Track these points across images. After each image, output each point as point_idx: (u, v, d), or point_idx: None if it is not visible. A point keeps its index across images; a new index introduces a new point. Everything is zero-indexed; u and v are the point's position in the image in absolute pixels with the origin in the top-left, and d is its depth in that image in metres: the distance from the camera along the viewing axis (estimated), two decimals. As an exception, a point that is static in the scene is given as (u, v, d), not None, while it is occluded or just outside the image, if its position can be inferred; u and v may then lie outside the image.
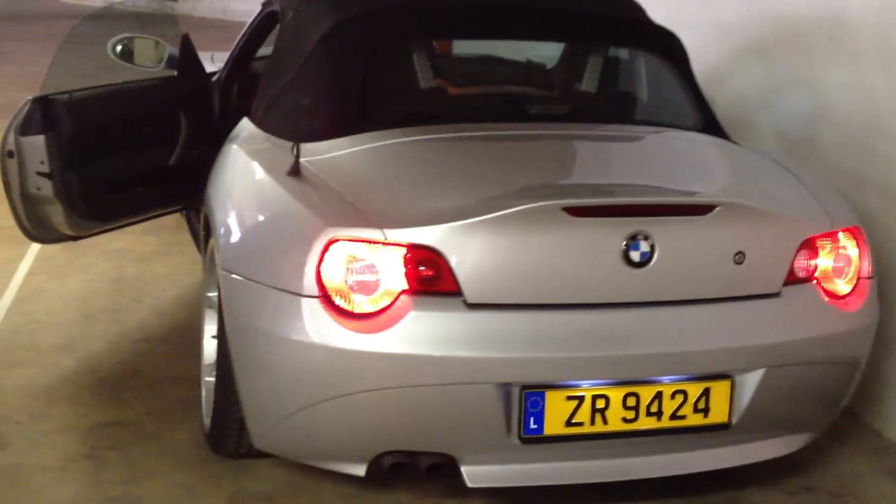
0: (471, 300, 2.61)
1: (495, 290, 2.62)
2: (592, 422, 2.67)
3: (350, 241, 2.62)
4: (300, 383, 2.69)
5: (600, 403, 2.67)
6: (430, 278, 2.61)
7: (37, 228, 3.58)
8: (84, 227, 3.67)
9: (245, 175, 3.19)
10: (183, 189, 3.98)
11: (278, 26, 3.71)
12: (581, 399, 2.66)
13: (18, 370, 3.69)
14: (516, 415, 2.64)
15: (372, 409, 2.64)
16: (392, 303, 2.61)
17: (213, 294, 3.40)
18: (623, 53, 3.80)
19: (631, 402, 2.68)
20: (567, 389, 2.65)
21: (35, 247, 4.79)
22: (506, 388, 2.62)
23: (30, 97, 3.35)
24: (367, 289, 2.62)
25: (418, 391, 2.61)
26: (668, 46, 3.67)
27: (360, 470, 2.76)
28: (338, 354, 2.60)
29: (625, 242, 2.63)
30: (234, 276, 2.86)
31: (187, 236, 4.92)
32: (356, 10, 3.33)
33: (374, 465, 2.74)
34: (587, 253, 2.65)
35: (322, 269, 2.62)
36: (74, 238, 3.75)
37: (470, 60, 3.91)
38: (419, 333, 2.59)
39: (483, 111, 3.41)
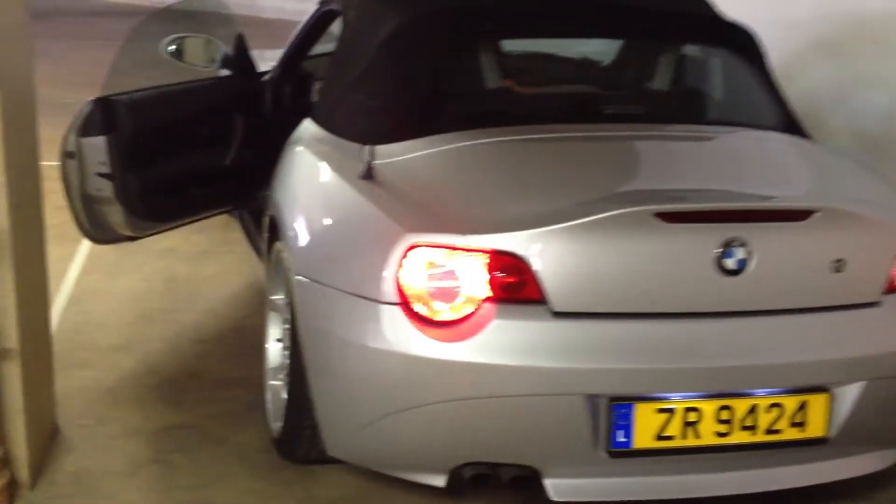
0: (557, 308, 2.52)
1: (582, 299, 2.54)
2: (684, 435, 2.58)
3: (430, 246, 2.54)
4: (379, 392, 2.61)
5: (692, 417, 2.57)
6: (514, 286, 2.53)
7: (95, 229, 3.52)
8: (142, 227, 3.61)
9: (315, 178, 3.12)
10: (237, 189, 3.93)
11: (340, 25, 3.62)
12: (672, 412, 2.57)
13: (80, 371, 3.64)
14: (604, 427, 2.56)
15: (454, 419, 2.56)
16: (475, 311, 2.53)
17: (277, 297, 3.33)
18: (695, 51, 3.69)
19: (724, 415, 2.58)
20: (657, 402, 2.56)
21: (85, 245, 4.74)
22: (593, 399, 2.54)
23: (90, 98, 3.29)
24: (448, 296, 2.54)
25: (502, 402, 2.53)
26: (743, 43, 3.56)
27: (439, 480, 2.69)
28: (419, 363, 2.52)
29: (718, 249, 2.53)
30: (308, 280, 2.79)
31: (234, 235, 4.87)
32: (424, 8, 3.24)
33: (455, 475, 2.66)
34: (679, 260, 2.56)
35: (401, 275, 2.54)
36: (132, 238, 3.69)
37: (531, 58, 3.80)
38: (503, 342, 2.51)
39: (555, 111, 3.32)
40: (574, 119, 3.22)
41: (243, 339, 4.07)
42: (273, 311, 3.41)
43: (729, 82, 3.61)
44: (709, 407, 2.58)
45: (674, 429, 2.57)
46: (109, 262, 4.78)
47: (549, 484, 2.64)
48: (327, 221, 2.92)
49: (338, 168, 3.00)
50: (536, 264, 2.50)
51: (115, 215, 3.46)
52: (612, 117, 3.29)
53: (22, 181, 2.74)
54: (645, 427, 2.57)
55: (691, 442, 2.58)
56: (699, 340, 2.58)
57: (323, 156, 3.16)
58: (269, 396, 3.33)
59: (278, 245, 3.18)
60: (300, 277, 2.82)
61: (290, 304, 2.94)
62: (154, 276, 4.72)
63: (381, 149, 2.93)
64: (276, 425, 3.15)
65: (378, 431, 2.65)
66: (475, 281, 2.53)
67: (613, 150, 3.10)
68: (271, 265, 3.34)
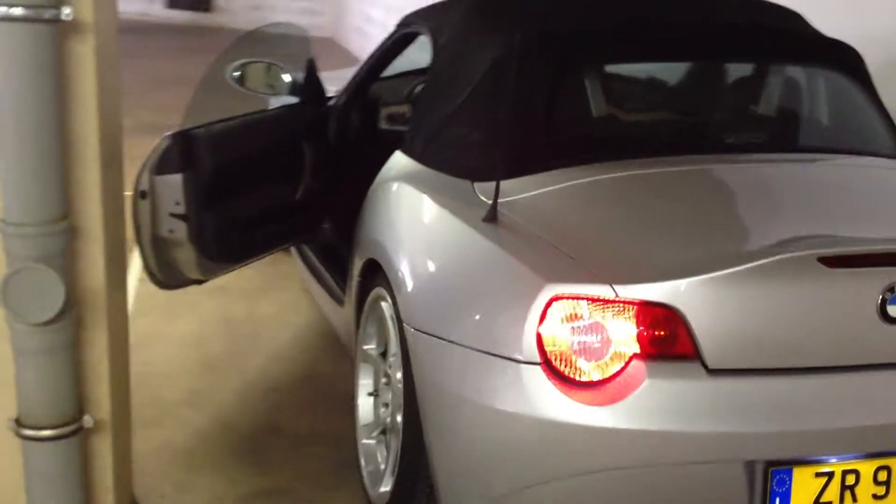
0: (711, 365, 2.29)
1: (739, 353, 2.30)
2: (841, 500, 2.35)
3: (573, 298, 2.30)
4: (518, 461, 2.37)
5: (850, 480, 2.34)
6: (666, 340, 2.29)
7: (163, 273, 3.28)
8: (212, 269, 3.37)
9: (427, 220, 2.85)
10: (304, 223, 3.70)
11: (429, 50, 3.38)
12: (830, 476, 2.34)
13: (151, 431, 3.39)
14: (759, 495, 2.32)
15: (600, 490, 2.32)
16: (622, 369, 2.29)
17: (370, 347, 3.10)
18: (800, 72, 3.45)
19: (882, 476, 2.36)
20: (815, 465, 2.33)
21: (132, 283, 4.49)
22: (751, 465, 2.30)
23: (167, 133, 3.05)
24: (594, 353, 2.30)
25: (653, 471, 2.28)
26: (850, 62, 3.33)
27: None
28: (565, 429, 2.28)
29: (882, 295, 2.30)
30: (426, 334, 2.55)
31: (285, 269, 4.62)
32: (531, 31, 2.98)
33: None
34: (841, 308, 2.33)
35: (542, 331, 2.30)
36: (200, 282, 3.45)
37: (630, 82, 3.57)
38: (657, 405, 2.27)
39: (671, 141, 3.08)
40: (693, 150, 2.98)
41: (316, 387, 3.84)
42: (364, 363, 3.16)
43: (838, 105, 3.38)
44: (867, 468, 2.35)
45: (831, 494, 2.35)
46: (161, 301, 4.51)
47: None
48: (448, 269, 2.64)
49: (453, 209, 2.74)
50: (690, 316, 2.27)
51: (186, 258, 3.22)
52: (731, 147, 3.05)
53: (113, 230, 2.49)
54: (802, 493, 2.34)
55: None
56: (861, 396, 2.35)
57: (432, 195, 2.89)
58: (363, 458, 3.09)
59: (378, 291, 2.94)
60: (415, 330, 2.58)
61: (398, 357, 2.71)
62: (210, 318, 4.48)
63: (490, 186, 2.70)
64: (378, 491, 2.90)
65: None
66: (623, 336, 2.29)
67: (747, 184, 2.86)
68: (365, 312, 3.09)
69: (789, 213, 2.71)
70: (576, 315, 2.30)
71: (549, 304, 2.30)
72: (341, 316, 3.62)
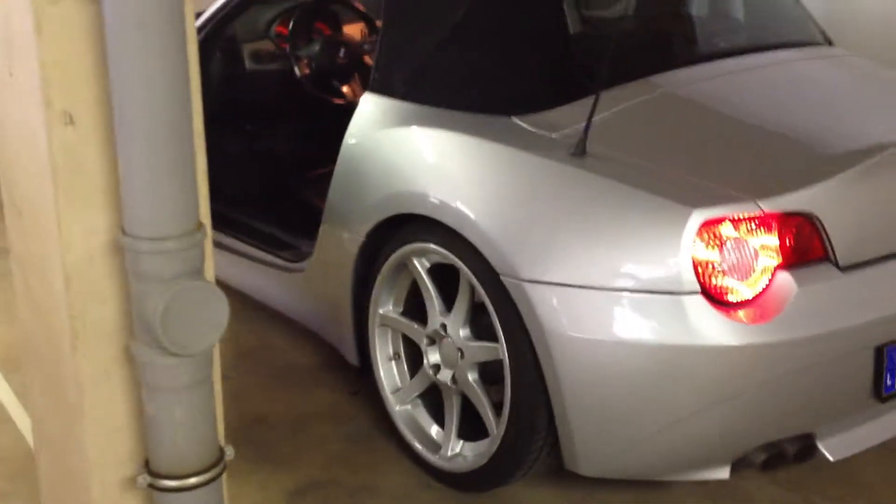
0: (843, 263, 2.37)
1: (865, 246, 2.41)
2: None
3: (721, 220, 2.27)
4: (676, 393, 2.33)
5: None
6: (804, 247, 2.34)
7: None
8: None
9: (485, 162, 2.63)
10: None
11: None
12: None
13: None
14: (877, 373, 2.46)
15: (749, 405, 2.35)
16: (769, 283, 2.31)
17: (389, 309, 2.88)
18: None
19: None
20: None
21: None
22: (877, 349, 2.43)
23: None
24: (745, 272, 2.31)
25: (797, 374, 2.35)
26: None
27: (723, 473, 2.47)
28: (730, 353, 2.28)
29: None
30: (545, 284, 2.39)
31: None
32: None
33: (742, 462, 2.45)
34: None
35: (696, 258, 2.26)
36: None
37: None
38: (806, 311, 2.33)
39: (686, 52, 3.07)
40: (705, 57, 3.00)
41: (273, 365, 3.51)
42: (382, 326, 2.94)
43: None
44: None
45: None
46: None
47: (824, 446, 2.51)
48: (550, 213, 2.45)
49: (521, 147, 2.57)
50: (824, 219, 2.33)
51: None
52: (731, 51, 3.09)
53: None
54: None
55: None
56: None
57: (478, 135, 2.64)
58: (403, 426, 2.89)
59: (410, 248, 2.72)
60: (525, 281, 2.41)
61: (464, 313, 2.59)
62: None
63: (539, 118, 2.58)
64: (447, 454, 2.74)
65: (667, 437, 2.37)
66: (768, 249, 2.30)
67: (783, 85, 2.92)
68: (383, 274, 2.85)
69: (837, 108, 2.82)
70: (724, 236, 2.28)
71: (700, 231, 2.26)
72: (295, 283, 3.31)
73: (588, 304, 2.34)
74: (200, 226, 1.86)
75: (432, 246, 2.65)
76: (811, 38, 3.30)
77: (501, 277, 2.45)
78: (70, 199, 1.83)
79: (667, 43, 3.14)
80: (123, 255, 1.84)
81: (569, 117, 2.61)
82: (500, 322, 2.49)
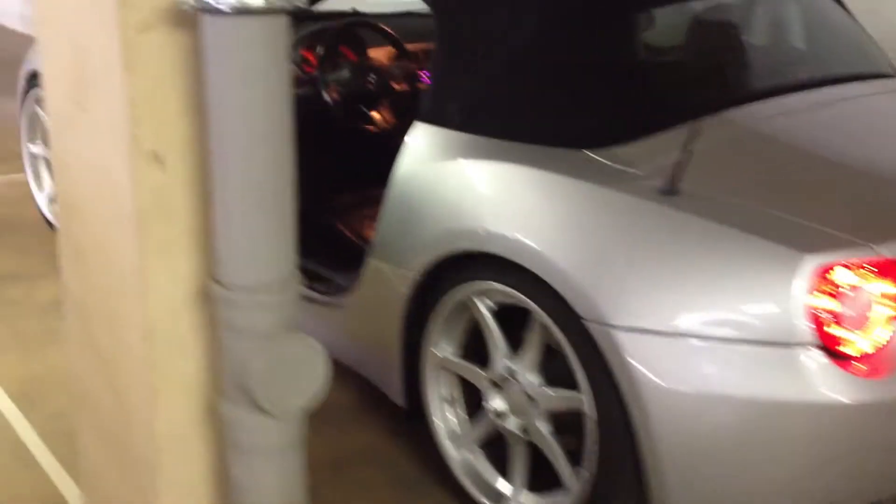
0: None
1: None
2: None
3: (835, 266, 2.14)
4: (789, 452, 2.19)
5: None
6: None
7: None
8: None
9: (565, 199, 2.46)
10: None
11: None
12: None
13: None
14: None
15: (858, 465, 2.23)
16: (893, 334, 2.19)
17: (445, 351, 2.74)
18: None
19: None
20: None
21: None
22: None
23: None
24: (860, 322, 2.17)
25: None
26: None
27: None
28: (844, 411, 2.13)
29: None
30: (638, 332, 2.25)
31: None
32: None
33: None
34: None
35: (810, 307, 2.13)
36: None
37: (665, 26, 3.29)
38: None
39: (760, 84, 2.95)
40: (779, 90, 2.87)
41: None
42: (437, 369, 2.79)
43: (831, 28, 3.39)
44: None
45: None
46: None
47: None
48: (642, 255, 2.28)
49: (603, 183, 2.43)
50: None
51: None
52: (801, 84, 2.97)
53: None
54: None
55: None
56: None
57: (554, 170, 2.49)
58: (462, 476, 2.74)
59: (473, 287, 2.57)
60: (616, 328, 2.26)
61: (532, 358, 2.45)
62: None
63: (615, 152, 2.46)
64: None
65: (769, 498, 2.24)
66: (886, 298, 2.18)
67: (858, 118, 2.81)
68: (440, 314, 2.70)
69: None
70: (839, 284, 2.14)
71: (814, 277, 2.13)
72: (333, 318, 3.15)
73: (688, 355, 2.19)
74: (295, 273, 1.71)
75: (500, 286, 2.50)
76: (881, 69, 3.20)
77: (586, 323, 2.30)
78: (156, 245, 1.68)
79: (738, 74, 3.02)
80: (213, 305, 1.68)
81: (647, 152, 2.49)
82: (583, 370, 2.34)
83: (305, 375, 1.69)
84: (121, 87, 1.58)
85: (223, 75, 1.53)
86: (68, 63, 1.76)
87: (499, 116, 2.71)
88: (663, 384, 2.19)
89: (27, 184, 4.65)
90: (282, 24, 1.54)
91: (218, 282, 1.65)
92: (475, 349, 2.71)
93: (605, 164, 2.47)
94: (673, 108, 2.51)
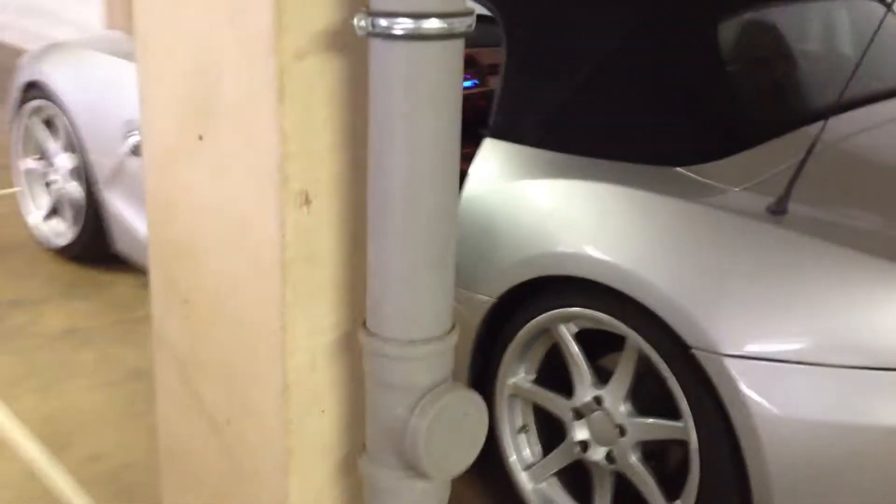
0: None
1: None
2: None
3: None
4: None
5: None
6: None
7: None
8: None
9: (662, 220, 2.34)
10: None
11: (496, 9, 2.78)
12: None
13: None
14: None
15: None
16: None
17: (520, 378, 2.60)
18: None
19: None
20: None
21: None
22: None
23: None
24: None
25: None
26: None
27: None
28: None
29: None
30: (751, 360, 2.14)
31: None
32: None
33: None
34: None
35: None
36: None
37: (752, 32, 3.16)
38: None
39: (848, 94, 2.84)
40: (867, 99, 2.78)
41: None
42: (512, 397, 2.65)
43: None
44: None
45: None
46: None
47: None
48: (752, 278, 2.20)
49: (707, 203, 2.31)
50: None
51: None
52: (876, 96, 2.87)
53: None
54: None
55: None
56: None
57: (649, 189, 2.37)
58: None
59: (559, 314, 2.44)
60: (728, 357, 2.16)
61: (620, 388, 2.32)
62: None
63: (709, 169, 2.34)
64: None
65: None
66: None
67: None
68: (517, 341, 2.56)
69: None
70: None
71: None
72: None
73: (805, 383, 2.09)
74: (454, 325, 1.56)
75: (592, 312, 2.37)
76: None
77: (694, 351, 2.18)
78: (299, 295, 1.50)
79: (819, 87, 2.91)
80: (365, 358, 1.52)
81: (743, 169, 2.37)
82: (687, 399, 2.22)
83: (469, 432, 1.53)
84: (271, 119, 1.41)
85: (393, 105, 1.37)
86: (184, 89, 1.57)
87: (579, 131, 2.57)
88: (777, 412, 2.09)
89: (14, 201, 4.38)
90: (458, 48, 1.38)
91: (373, 333, 1.48)
92: (548, 375, 2.58)
93: (701, 181, 2.34)
94: (764, 123, 2.39)
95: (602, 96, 2.55)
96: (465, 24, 1.41)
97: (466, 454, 1.54)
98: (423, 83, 1.36)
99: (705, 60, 2.54)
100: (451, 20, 1.37)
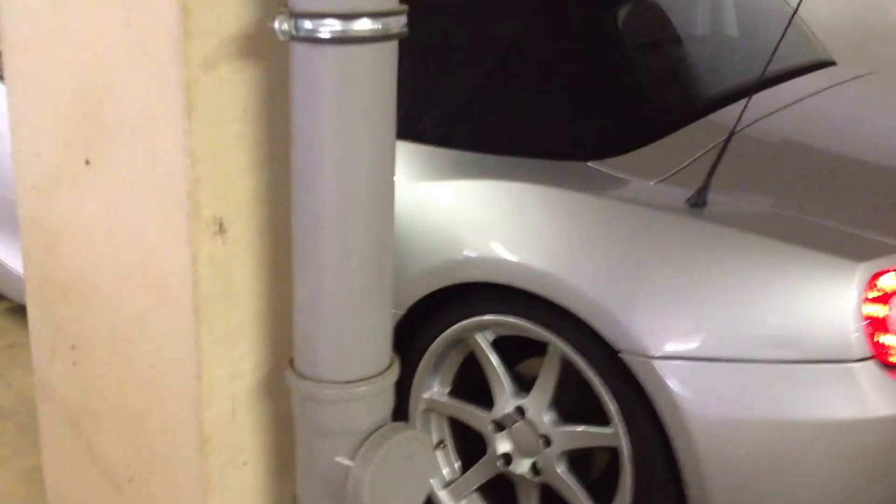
0: None
1: None
2: None
3: (888, 272, 2.01)
4: (845, 472, 2.06)
5: None
6: None
7: None
8: None
9: (578, 218, 2.22)
10: None
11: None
12: None
13: None
14: None
15: None
16: None
17: (434, 392, 2.46)
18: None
19: None
20: None
21: None
22: None
23: None
24: (914, 329, 2.05)
25: None
26: None
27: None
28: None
29: None
30: (680, 360, 2.05)
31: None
32: None
33: None
34: None
35: (863, 317, 1.99)
36: None
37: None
38: None
39: (743, 73, 2.78)
40: (772, 81, 2.73)
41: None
42: (426, 412, 2.50)
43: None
44: None
45: None
46: None
47: None
48: (678, 277, 2.09)
49: (622, 198, 2.21)
50: None
51: None
52: (784, 75, 2.83)
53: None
54: None
55: None
56: None
57: (562, 186, 2.25)
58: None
59: (474, 322, 2.31)
60: (655, 359, 2.06)
61: (543, 394, 2.21)
62: None
63: (622, 162, 2.26)
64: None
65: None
66: None
67: (843, 110, 2.69)
68: (431, 353, 2.42)
69: None
70: (890, 291, 2.01)
71: (868, 287, 1.98)
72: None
73: (737, 380, 2.03)
74: (393, 360, 1.40)
75: (509, 318, 2.24)
76: (827, 57, 3.12)
77: (622, 355, 2.07)
78: (216, 334, 1.32)
79: (714, 72, 2.84)
80: (288, 399, 1.34)
81: (656, 160, 2.28)
82: (616, 403, 2.12)
83: (416, 476, 1.38)
84: (177, 139, 1.22)
85: (321, 117, 1.20)
86: (66, 105, 1.36)
87: (485, 128, 2.43)
88: (709, 413, 2.02)
89: None
90: (393, 51, 1.22)
91: (303, 376, 1.31)
92: (464, 387, 2.44)
93: (616, 175, 2.24)
94: (672, 112, 2.31)
95: (504, 89, 2.42)
96: (399, 24, 1.25)
97: (413, 499, 1.39)
98: (356, 92, 1.19)
99: (606, 48, 2.43)
100: (384, 20, 1.21)
